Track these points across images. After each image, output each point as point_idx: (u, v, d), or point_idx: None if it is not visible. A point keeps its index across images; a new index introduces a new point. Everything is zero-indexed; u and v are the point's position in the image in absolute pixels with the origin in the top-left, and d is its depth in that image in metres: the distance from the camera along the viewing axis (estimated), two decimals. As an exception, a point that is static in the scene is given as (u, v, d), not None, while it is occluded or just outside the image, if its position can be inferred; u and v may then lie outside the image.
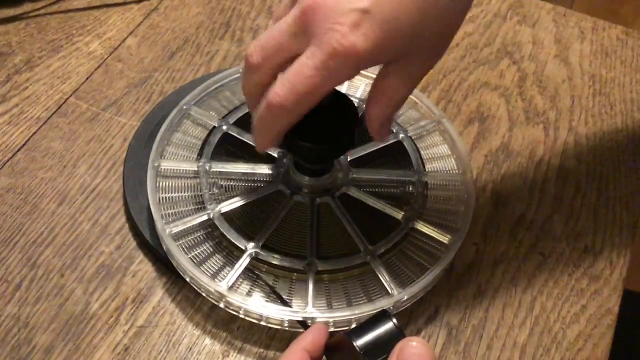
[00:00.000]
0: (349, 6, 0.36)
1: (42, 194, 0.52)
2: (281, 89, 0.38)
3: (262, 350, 0.46)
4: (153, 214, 0.47)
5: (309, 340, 0.38)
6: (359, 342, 0.35)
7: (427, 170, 0.53)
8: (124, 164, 0.53)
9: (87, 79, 0.59)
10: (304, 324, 0.43)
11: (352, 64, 0.37)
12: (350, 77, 0.38)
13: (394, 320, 0.35)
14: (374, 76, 0.40)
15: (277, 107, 0.39)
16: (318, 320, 0.43)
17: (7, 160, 0.53)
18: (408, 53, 0.38)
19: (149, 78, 0.60)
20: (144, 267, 0.49)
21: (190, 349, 0.45)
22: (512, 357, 0.46)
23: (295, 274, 0.46)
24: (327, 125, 0.43)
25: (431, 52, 0.39)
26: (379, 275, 0.46)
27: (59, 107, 0.57)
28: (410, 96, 0.55)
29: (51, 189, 0.52)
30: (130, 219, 0.50)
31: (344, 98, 0.45)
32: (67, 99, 0.57)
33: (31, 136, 0.55)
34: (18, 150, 0.54)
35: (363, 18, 0.35)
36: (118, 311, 0.46)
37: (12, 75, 0.59)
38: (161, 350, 0.45)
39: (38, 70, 0.59)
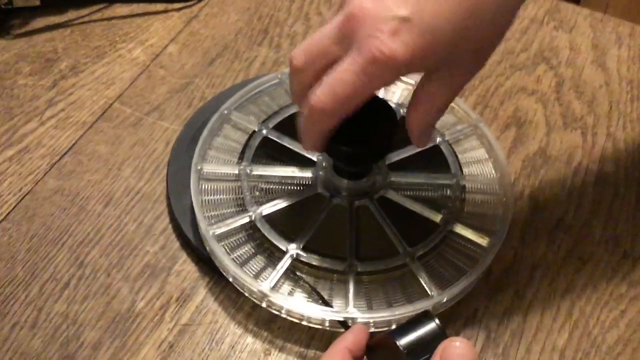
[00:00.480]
0: (390, 14, 0.36)
1: (89, 196, 0.53)
2: (322, 92, 0.39)
3: (302, 349, 0.46)
4: (197, 216, 0.48)
5: (350, 340, 0.38)
6: (402, 342, 0.35)
7: (464, 173, 0.53)
8: (167, 167, 0.54)
9: (130, 84, 0.61)
10: (344, 324, 0.44)
11: (391, 71, 0.37)
12: (389, 83, 0.39)
13: (437, 320, 0.36)
14: (412, 81, 0.41)
15: (319, 110, 0.40)
16: (359, 320, 0.44)
17: (55, 163, 0.55)
18: (449, 62, 0.39)
19: (189, 84, 0.61)
20: (187, 267, 0.50)
21: (233, 347, 0.46)
22: (551, 361, 0.47)
23: (335, 275, 0.47)
24: (366, 129, 0.44)
25: (472, 62, 0.40)
26: (419, 277, 0.47)
27: (104, 112, 0.58)
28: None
29: (97, 191, 0.53)
30: (173, 220, 0.51)
31: (383, 103, 0.45)
32: (111, 104, 0.59)
33: (77, 140, 0.56)
34: (65, 153, 0.56)
35: (403, 26, 0.36)
36: (163, 309, 0.47)
37: (58, 80, 0.61)
38: (204, 348, 0.46)
39: (83, 75, 0.61)
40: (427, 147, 0.54)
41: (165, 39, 0.65)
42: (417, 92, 0.41)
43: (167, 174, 0.54)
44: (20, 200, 0.52)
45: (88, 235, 0.51)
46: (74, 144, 0.56)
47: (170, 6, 0.67)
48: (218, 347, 0.46)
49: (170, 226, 0.52)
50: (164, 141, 0.57)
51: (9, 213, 0.52)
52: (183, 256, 0.50)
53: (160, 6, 0.67)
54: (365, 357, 0.40)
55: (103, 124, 0.58)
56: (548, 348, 0.47)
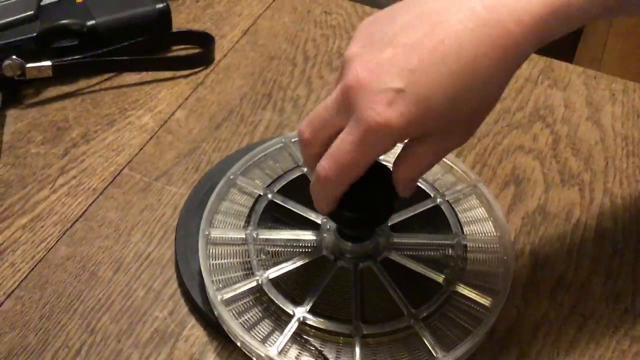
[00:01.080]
0: (384, 86, 0.38)
1: (100, 261, 0.55)
2: (326, 162, 0.42)
3: (310, 413, 0.47)
4: (205, 281, 0.50)
5: None
6: None
7: (465, 233, 0.54)
8: (175, 232, 0.56)
9: (139, 150, 0.63)
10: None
11: (388, 139, 0.39)
12: (387, 150, 0.41)
13: None
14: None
15: (324, 179, 0.42)
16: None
17: (66, 230, 0.57)
18: (441, 129, 0.41)
19: (197, 148, 0.63)
20: (195, 332, 0.51)
21: (242, 412, 0.47)
22: (557, 420, 0.47)
23: (341, 337, 0.48)
24: (367, 194, 0.46)
25: (463, 130, 0.42)
26: (424, 339, 0.47)
27: (114, 178, 0.60)
28: (446, 161, 0.58)
29: (108, 257, 0.55)
30: (182, 284, 0.53)
31: (384, 168, 0.47)
32: (121, 170, 0.61)
33: (88, 207, 0.58)
34: (76, 220, 0.57)
35: (398, 97, 0.38)
36: (172, 375, 0.48)
37: (70, 148, 0.63)
38: (214, 414, 0.47)
39: (94, 143, 0.63)
40: (428, 207, 0.56)
41: (173, 105, 0.67)
42: (406, 149, 0.43)
43: (175, 238, 0.55)
44: (33, 268, 0.54)
45: (99, 301, 0.52)
46: (85, 211, 0.58)
47: (177, 73, 0.70)
48: (227, 412, 0.47)
49: (178, 291, 0.53)
50: (172, 206, 0.59)
51: (22, 281, 0.53)
52: (192, 321, 0.51)
53: (168, 74, 0.69)
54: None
55: (113, 190, 0.60)
56: (553, 407, 0.48)
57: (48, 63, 0.65)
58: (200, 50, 0.72)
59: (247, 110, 0.67)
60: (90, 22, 0.67)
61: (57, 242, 0.56)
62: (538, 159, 0.63)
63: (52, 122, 0.65)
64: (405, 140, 0.43)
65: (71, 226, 0.57)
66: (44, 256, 0.55)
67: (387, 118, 0.38)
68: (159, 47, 0.72)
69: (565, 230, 0.58)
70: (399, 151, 0.43)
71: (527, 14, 0.37)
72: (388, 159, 0.46)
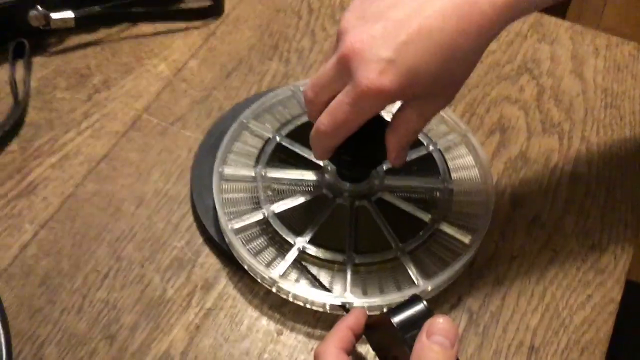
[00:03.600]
0: (377, 56, 0.44)
1: (123, 197, 0.61)
2: (325, 118, 0.48)
3: (310, 329, 0.54)
4: (217, 212, 0.56)
5: (351, 320, 0.46)
6: (396, 319, 0.43)
7: (452, 179, 0.60)
8: (190, 171, 0.62)
9: (156, 97, 0.68)
10: (344, 308, 0.51)
11: (379, 102, 0.45)
12: (378, 111, 0.47)
13: (424, 302, 0.43)
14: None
15: (322, 133, 0.49)
16: (355, 304, 0.51)
17: (92, 169, 0.63)
18: (425, 94, 0.46)
19: (209, 96, 0.69)
20: (209, 260, 0.57)
21: (250, 328, 0.54)
22: (525, 338, 0.54)
23: (336, 265, 0.55)
24: (365, 141, 0.51)
25: (444, 95, 0.48)
26: (408, 269, 0.54)
27: (133, 123, 0.66)
28: (441, 113, 0.63)
29: (130, 193, 0.61)
30: (197, 218, 0.59)
31: (381, 119, 0.53)
32: (140, 115, 0.67)
33: (111, 148, 0.64)
34: (101, 160, 0.63)
35: (389, 66, 0.44)
36: (190, 296, 0.55)
37: (93, 94, 0.68)
38: (226, 329, 0.54)
39: (114, 89, 0.69)
40: (421, 155, 0.61)
41: (186, 55, 0.72)
42: (396, 117, 0.49)
43: (190, 177, 0.62)
44: (64, 202, 0.60)
45: (124, 232, 0.59)
46: (108, 152, 0.64)
47: (190, 24, 0.74)
48: (237, 328, 0.54)
49: (194, 224, 0.59)
50: (187, 148, 0.64)
51: (54, 213, 0.60)
52: (206, 250, 0.58)
53: (181, 25, 0.74)
54: (364, 335, 0.47)
55: (133, 133, 0.65)
56: (522, 327, 0.54)
57: (70, 14, 0.70)
58: (211, 2, 0.76)
59: (255, 61, 0.72)
60: (109, -25, 0.72)
61: (84, 179, 0.62)
62: (523, 109, 0.68)
63: (75, 70, 0.70)
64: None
65: (96, 165, 0.63)
66: (73, 192, 0.61)
67: (379, 85, 0.44)
68: (173, -1, 0.76)
69: (544, 174, 0.64)
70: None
71: None
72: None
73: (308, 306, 0.53)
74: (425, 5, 0.43)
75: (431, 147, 0.62)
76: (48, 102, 0.67)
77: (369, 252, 0.55)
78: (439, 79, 0.45)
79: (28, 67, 0.69)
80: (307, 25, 0.75)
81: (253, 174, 0.60)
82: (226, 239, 0.56)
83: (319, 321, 0.54)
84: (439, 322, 0.41)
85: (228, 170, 0.59)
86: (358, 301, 0.51)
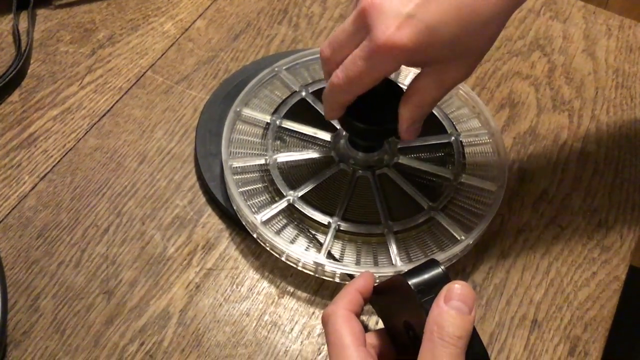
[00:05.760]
0: (396, 11, 0.43)
1: (125, 154, 0.60)
2: (340, 72, 0.46)
3: (311, 296, 0.53)
4: (222, 147, 0.56)
5: (360, 283, 0.45)
6: (413, 281, 0.40)
7: (459, 130, 0.60)
8: (195, 131, 0.61)
9: (162, 55, 0.67)
10: (350, 276, 0.51)
11: (394, 59, 0.44)
12: (392, 70, 0.45)
13: (442, 267, 0.42)
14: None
15: (336, 86, 0.47)
16: (340, 272, 0.51)
17: (94, 124, 0.61)
18: (444, 59, 0.45)
19: (215, 57, 0.67)
20: (212, 220, 0.56)
21: (251, 289, 0.53)
22: (528, 312, 0.53)
23: (322, 227, 0.54)
24: (378, 110, 0.50)
25: (466, 62, 0.46)
26: (446, 226, 0.54)
27: (138, 79, 0.65)
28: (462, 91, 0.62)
29: (132, 149, 0.60)
30: (200, 178, 0.58)
31: (397, 88, 0.52)
32: (144, 72, 0.65)
33: (114, 104, 0.63)
34: (103, 115, 0.62)
35: (408, 21, 0.42)
36: (190, 255, 0.54)
37: (97, 49, 0.67)
38: (226, 290, 0.53)
39: (119, 45, 0.67)
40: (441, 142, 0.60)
41: (194, 15, 0.71)
42: (411, 86, 0.47)
43: (195, 137, 0.60)
44: (64, 156, 0.59)
45: (125, 188, 0.57)
46: (111, 107, 0.63)
47: (198, -16, 0.73)
48: (238, 289, 0.53)
49: (197, 184, 0.58)
50: (192, 108, 0.63)
51: (54, 166, 0.58)
52: (208, 210, 0.57)
53: (189, -16, 0.73)
54: (369, 301, 0.46)
55: (137, 90, 0.64)
56: (526, 301, 0.54)
57: (77, -34, 0.68)
58: (221, -37, 0.75)
59: (264, 24, 0.71)
60: None
61: (85, 134, 0.61)
62: (533, 85, 0.68)
63: (79, 24, 0.69)
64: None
65: (99, 120, 0.62)
66: (74, 146, 0.60)
67: (395, 39, 0.43)
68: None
69: (552, 150, 0.63)
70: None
71: None
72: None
73: (283, 259, 0.52)
74: None
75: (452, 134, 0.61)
76: (51, 55, 0.66)
77: (403, 218, 0.54)
78: (458, 42, 0.44)
79: (32, 19, 0.68)
80: (317, -9, 0.74)
81: (268, 120, 0.59)
82: (225, 178, 0.55)
83: (321, 288, 0.54)
84: (457, 288, 0.39)
85: (246, 111, 0.59)
86: (407, 268, 0.48)
